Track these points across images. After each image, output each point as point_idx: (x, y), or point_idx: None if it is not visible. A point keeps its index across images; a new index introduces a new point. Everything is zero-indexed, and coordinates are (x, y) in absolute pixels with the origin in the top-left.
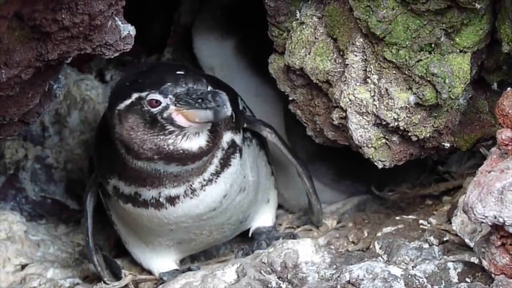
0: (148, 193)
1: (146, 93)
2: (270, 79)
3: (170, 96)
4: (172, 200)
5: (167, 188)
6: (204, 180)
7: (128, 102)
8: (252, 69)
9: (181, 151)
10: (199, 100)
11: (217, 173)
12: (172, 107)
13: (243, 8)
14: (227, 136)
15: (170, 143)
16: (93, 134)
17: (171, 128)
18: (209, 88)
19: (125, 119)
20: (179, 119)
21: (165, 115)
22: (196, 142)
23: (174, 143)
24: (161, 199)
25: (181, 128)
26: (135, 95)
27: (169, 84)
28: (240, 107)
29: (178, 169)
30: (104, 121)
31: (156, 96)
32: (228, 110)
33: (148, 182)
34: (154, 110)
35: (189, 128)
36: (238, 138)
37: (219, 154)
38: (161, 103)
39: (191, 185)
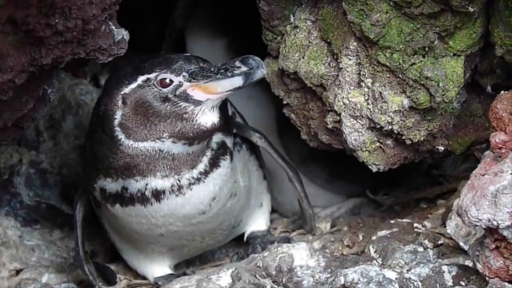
0: (135, 186)
1: (156, 74)
2: (263, 81)
3: (184, 73)
4: (157, 195)
5: (156, 177)
6: (193, 177)
7: (134, 85)
8: None
9: (196, 126)
10: (222, 71)
11: (206, 173)
12: (186, 84)
13: (235, 8)
14: (217, 137)
15: (186, 117)
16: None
17: (185, 104)
18: None
19: (131, 102)
20: (196, 94)
21: (177, 92)
22: (210, 117)
23: (190, 118)
24: (147, 193)
25: (197, 102)
26: (141, 78)
27: (181, 62)
28: (230, 113)
29: (182, 149)
30: (93, 117)
31: (167, 75)
32: (264, 70)
33: (139, 169)
34: (166, 89)
35: (207, 101)
36: (229, 141)
37: (209, 153)
38: (173, 82)
39: (179, 180)
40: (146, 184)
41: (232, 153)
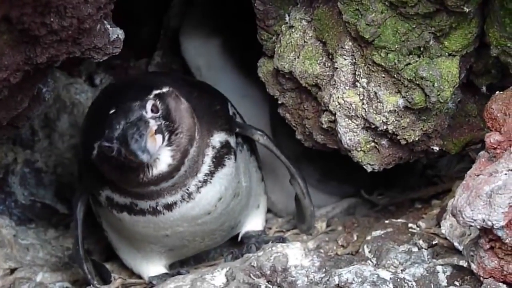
0: (146, 204)
1: (100, 142)
2: (257, 80)
3: (114, 141)
4: (169, 207)
5: (164, 197)
6: (199, 181)
7: (94, 152)
8: (239, 69)
9: (156, 178)
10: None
11: (211, 173)
12: (122, 149)
13: (230, 8)
14: (221, 136)
15: (143, 176)
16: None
17: (135, 164)
18: (146, 110)
19: (101, 166)
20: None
21: (123, 155)
22: (161, 165)
23: (146, 175)
24: (158, 207)
25: (140, 162)
26: (96, 145)
27: (107, 131)
28: (230, 113)
29: (168, 183)
30: None
31: (106, 143)
32: (143, 156)
33: (146, 196)
34: (113, 154)
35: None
36: (232, 141)
37: (210, 152)
38: (114, 148)
39: (187, 189)
40: (157, 202)
41: (236, 152)
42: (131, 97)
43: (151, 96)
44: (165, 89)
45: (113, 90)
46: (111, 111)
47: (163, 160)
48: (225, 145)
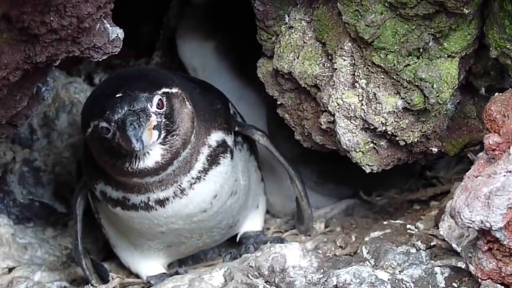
0: (137, 198)
1: (97, 121)
2: (253, 82)
3: (112, 123)
4: (161, 202)
5: (155, 192)
6: (192, 178)
7: (89, 130)
8: (235, 71)
9: (140, 171)
10: (129, 127)
11: (205, 170)
12: (117, 133)
13: (225, 9)
14: (218, 135)
15: (128, 166)
16: (82, 137)
17: (124, 152)
18: (152, 104)
19: (92, 146)
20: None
21: (116, 140)
22: (150, 160)
23: (131, 165)
24: (150, 203)
25: (131, 150)
26: (92, 124)
27: (108, 112)
28: (231, 112)
29: (154, 179)
30: None
31: (104, 124)
32: (136, 144)
33: (135, 190)
34: (108, 136)
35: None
36: (229, 139)
37: (205, 150)
38: (110, 130)
39: (179, 185)
40: (148, 197)
41: (233, 151)
42: (141, 86)
43: (160, 92)
44: (174, 90)
45: (125, 76)
46: (118, 95)
47: (153, 156)
48: (222, 144)
